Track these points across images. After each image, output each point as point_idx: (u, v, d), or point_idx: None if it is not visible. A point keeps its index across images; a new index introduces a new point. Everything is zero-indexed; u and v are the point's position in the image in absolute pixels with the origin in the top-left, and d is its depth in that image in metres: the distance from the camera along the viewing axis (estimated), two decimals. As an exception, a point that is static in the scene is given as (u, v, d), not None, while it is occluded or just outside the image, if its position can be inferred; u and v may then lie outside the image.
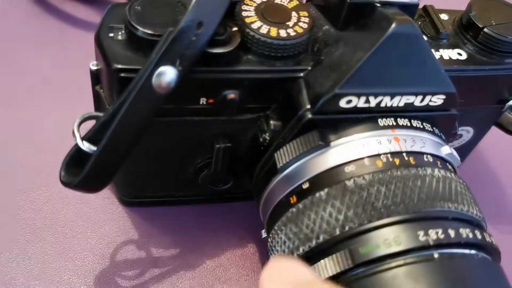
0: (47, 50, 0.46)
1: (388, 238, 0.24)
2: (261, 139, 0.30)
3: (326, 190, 0.27)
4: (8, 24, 0.48)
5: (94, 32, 0.48)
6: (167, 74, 0.25)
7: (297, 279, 0.22)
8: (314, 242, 0.26)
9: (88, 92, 0.43)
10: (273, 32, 0.28)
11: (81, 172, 0.28)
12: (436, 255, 0.24)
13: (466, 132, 0.38)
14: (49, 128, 0.40)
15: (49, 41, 0.47)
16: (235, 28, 0.28)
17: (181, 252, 0.36)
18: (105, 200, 0.37)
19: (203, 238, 0.37)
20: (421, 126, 0.29)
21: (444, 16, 0.35)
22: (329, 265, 0.25)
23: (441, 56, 0.32)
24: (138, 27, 0.27)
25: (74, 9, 0.50)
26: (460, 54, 0.33)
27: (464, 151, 0.40)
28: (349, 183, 0.26)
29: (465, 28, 0.33)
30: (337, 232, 0.26)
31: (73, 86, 0.43)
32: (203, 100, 0.29)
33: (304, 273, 0.23)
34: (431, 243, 0.24)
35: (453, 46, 0.33)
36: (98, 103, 0.32)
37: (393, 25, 0.26)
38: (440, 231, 0.25)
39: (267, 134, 0.30)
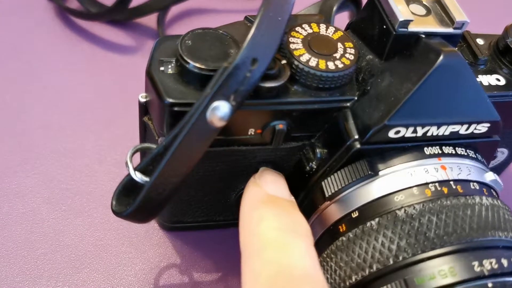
0: (79, 73, 0.47)
1: (443, 269, 0.25)
2: (307, 167, 0.31)
3: (377, 219, 0.27)
4: (38, 48, 0.48)
5: (124, 54, 0.50)
6: (222, 109, 0.26)
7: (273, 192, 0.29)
8: (367, 272, 0.27)
9: (123, 116, 0.44)
10: (322, 64, 0.28)
11: (132, 202, 0.29)
12: (490, 285, 0.25)
13: (501, 154, 0.38)
14: (86, 152, 0.41)
15: (81, 64, 0.48)
16: (283, 61, 0.29)
17: (223, 276, 0.36)
18: (146, 225, 0.38)
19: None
20: (465, 153, 0.30)
21: (479, 41, 0.35)
22: (385, 295, 0.26)
23: (481, 82, 0.32)
24: (190, 61, 0.28)
25: (103, 31, 0.51)
26: (498, 80, 0.33)
27: (497, 171, 0.40)
28: (400, 212, 0.27)
29: (502, 54, 0.34)
30: (391, 262, 0.26)
31: (108, 110, 0.44)
32: (251, 131, 0.30)
33: (283, 192, 0.29)
34: (486, 273, 0.25)
35: (491, 72, 0.33)
36: (145, 134, 0.32)
37: (441, 57, 0.27)
38: (493, 261, 0.25)
39: (314, 162, 0.31)
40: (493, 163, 0.39)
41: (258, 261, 0.26)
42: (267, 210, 0.28)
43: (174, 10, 0.53)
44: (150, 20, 0.52)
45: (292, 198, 0.30)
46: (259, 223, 0.27)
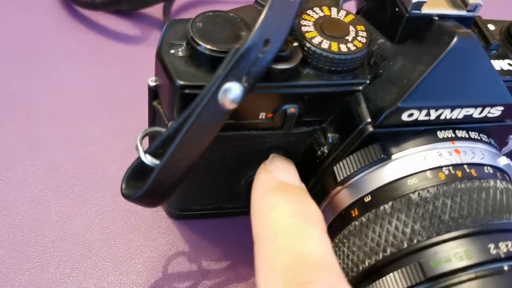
0: (85, 63, 0.47)
1: (459, 252, 0.25)
2: (319, 152, 0.30)
3: (390, 203, 0.27)
4: (44, 38, 0.48)
5: (130, 44, 0.49)
6: (233, 90, 0.26)
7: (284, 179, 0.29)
8: (380, 255, 0.26)
9: (129, 104, 0.44)
10: (334, 47, 0.28)
11: (142, 186, 0.29)
12: (506, 267, 0.24)
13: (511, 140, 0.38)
14: (93, 141, 0.41)
15: (86, 54, 0.47)
16: (295, 43, 0.28)
17: (232, 264, 0.36)
18: (154, 213, 0.37)
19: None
20: (479, 138, 0.30)
21: (490, 26, 0.35)
22: (399, 279, 0.25)
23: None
24: (201, 43, 0.27)
25: (109, 22, 0.50)
26: (510, 65, 0.33)
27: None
28: (414, 196, 0.27)
29: (513, 38, 0.34)
30: (405, 245, 0.26)
31: (114, 99, 0.44)
32: (262, 115, 0.29)
33: (294, 179, 0.29)
34: (502, 255, 0.24)
35: (503, 57, 0.33)
36: (154, 118, 0.32)
37: (455, 39, 0.27)
38: (510, 243, 0.25)
39: (325, 147, 0.30)
40: (504, 150, 0.39)
41: (272, 249, 0.25)
42: (279, 197, 0.28)
43: (180, 0, 0.53)
44: (156, 10, 0.51)
45: (303, 185, 0.30)
46: (271, 210, 0.27)
